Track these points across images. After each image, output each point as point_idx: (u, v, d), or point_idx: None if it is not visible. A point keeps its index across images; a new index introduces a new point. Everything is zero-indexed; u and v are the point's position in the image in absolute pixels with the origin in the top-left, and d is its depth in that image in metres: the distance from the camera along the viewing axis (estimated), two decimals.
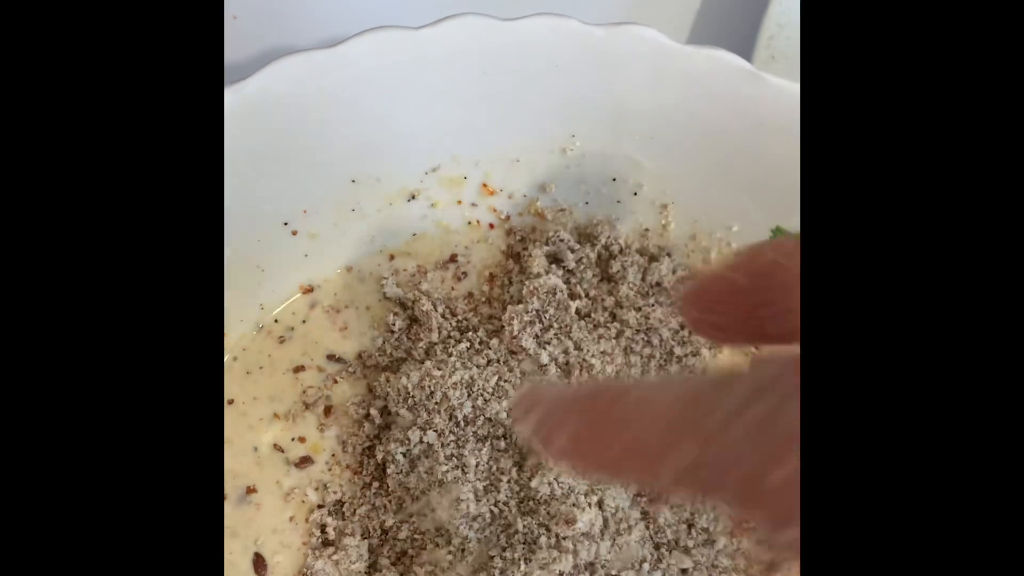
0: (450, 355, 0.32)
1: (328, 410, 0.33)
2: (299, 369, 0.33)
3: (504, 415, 0.31)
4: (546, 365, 0.31)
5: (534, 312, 0.31)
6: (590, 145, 0.33)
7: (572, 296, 0.33)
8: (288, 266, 0.33)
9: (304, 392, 0.33)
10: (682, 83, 0.31)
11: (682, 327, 0.33)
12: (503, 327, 0.32)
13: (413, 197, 0.34)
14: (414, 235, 0.35)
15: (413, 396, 0.31)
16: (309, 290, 0.34)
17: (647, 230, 0.35)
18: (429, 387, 0.31)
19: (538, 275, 0.32)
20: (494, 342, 0.32)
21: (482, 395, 0.31)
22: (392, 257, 0.35)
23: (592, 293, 0.33)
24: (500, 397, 0.31)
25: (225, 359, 0.33)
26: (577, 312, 0.33)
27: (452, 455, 0.31)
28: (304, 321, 0.34)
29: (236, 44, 0.41)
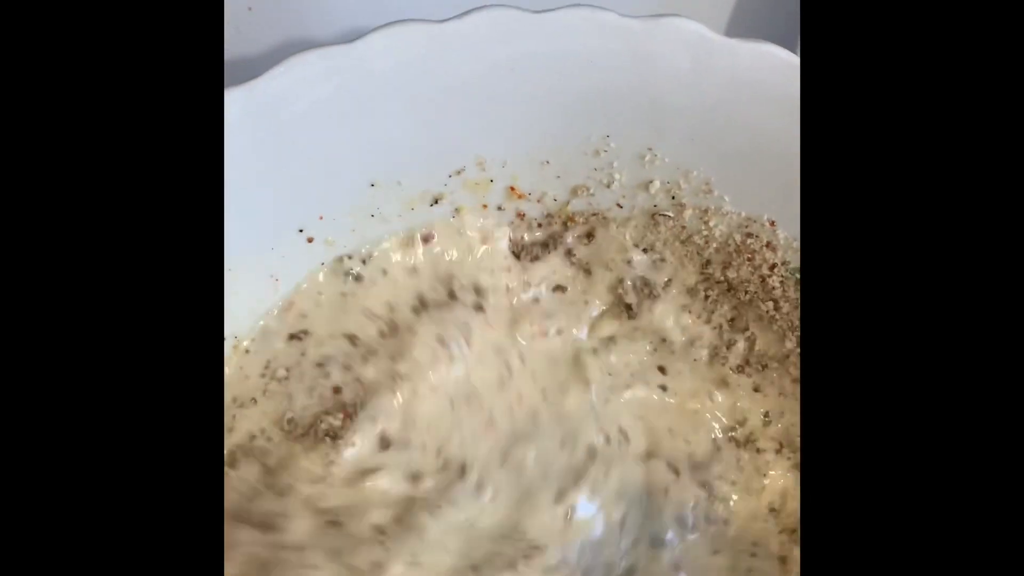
0: None
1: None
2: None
3: None
4: None
5: None
6: (626, 146, 0.31)
7: None
8: (303, 275, 0.32)
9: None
10: (726, 80, 0.29)
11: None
12: None
13: (436, 201, 0.32)
14: None
15: None
16: None
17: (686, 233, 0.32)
18: None
19: None
20: None
21: None
22: None
23: None
24: None
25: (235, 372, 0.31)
26: None
27: None
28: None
29: (251, 36, 0.39)
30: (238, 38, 0.39)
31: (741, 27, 0.38)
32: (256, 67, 0.39)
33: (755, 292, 0.33)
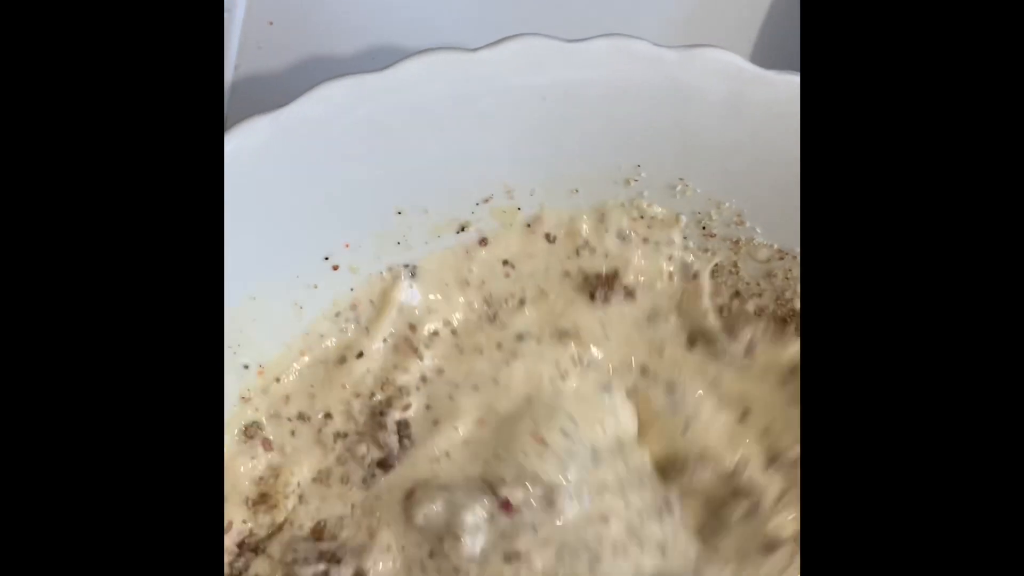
0: None
1: None
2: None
3: None
4: None
5: None
6: (657, 176, 0.30)
7: None
8: (328, 303, 0.31)
9: None
10: (760, 111, 0.29)
11: None
12: None
13: (463, 229, 0.31)
14: None
15: None
16: None
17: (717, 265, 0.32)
18: None
19: None
20: None
21: None
22: None
23: None
24: None
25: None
26: None
27: None
28: None
29: (272, 51, 0.39)
30: (258, 53, 0.39)
31: (763, 57, 0.38)
32: (276, 81, 0.39)
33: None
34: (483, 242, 0.32)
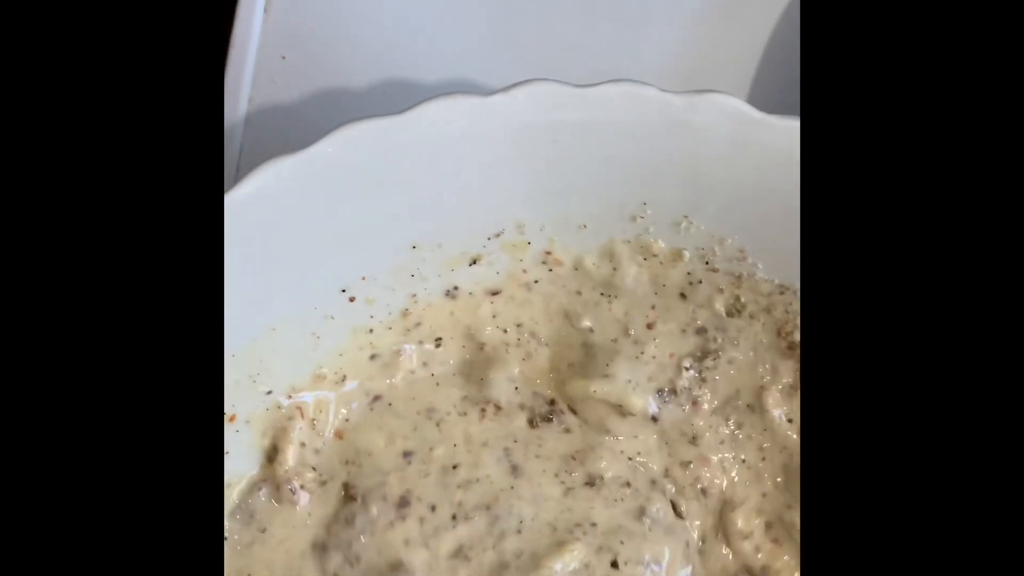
0: None
1: None
2: None
3: None
4: None
5: None
6: (662, 213, 0.32)
7: None
8: (344, 333, 0.32)
9: None
10: (762, 153, 0.30)
11: None
12: None
13: (475, 262, 0.33)
14: None
15: None
16: None
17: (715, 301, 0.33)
18: None
19: None
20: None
21: None
22: None
23: None
24: None
25: None
26: None
27: None
28: None
29: (284, 84, 0.40)
30: (272, 87, 0.40)
31: (760, 101, 0.39)
32: (290, 115, 0.40)
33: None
34: None
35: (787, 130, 0.30)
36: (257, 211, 0.28)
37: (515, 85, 0.29)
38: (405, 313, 0.33)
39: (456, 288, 0.33)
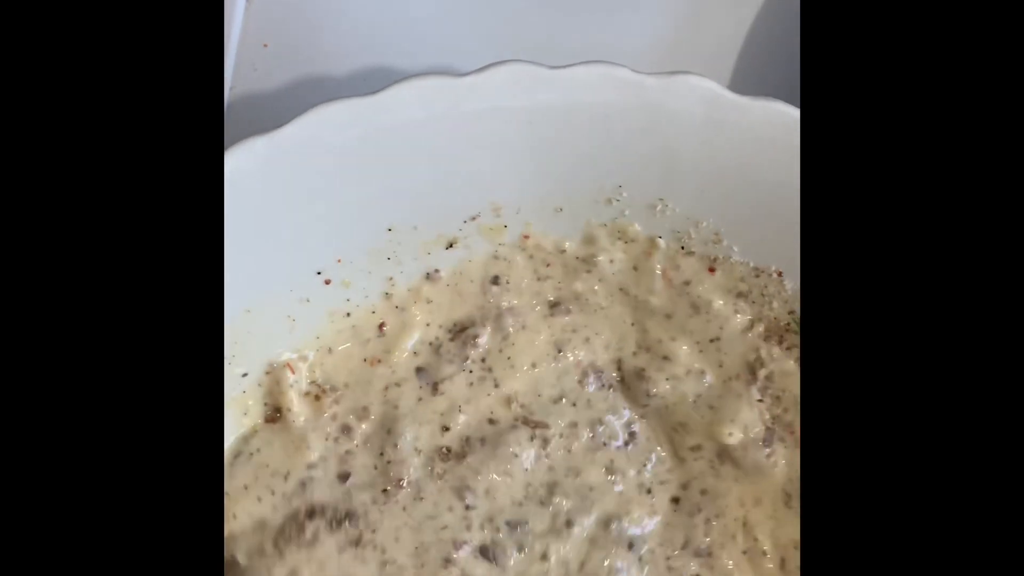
0: None
1: None
2: None
3: None
4: None
5: None
6: (638, 196, 0.32)
7: None
8: (321, 316, 0.32)
9: None
10: (736, 135, 0.30)
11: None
12: None
13: (451, 245, 0.33)
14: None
15: None
16: None
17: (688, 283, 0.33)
18: None
19: None
20: None
21: None
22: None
23: None
24: None
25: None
26: None
27: None
28: None
29: (266, 72, 0.40)
30: (253, 75, 0.40)
31: (741, 84, 0.39)
32: (271, 103, 0.40)
33: None
34: None
35: (762, 111, 0.30)
36: (229, 191, 0.28)
37: (489, 66, 0.29)
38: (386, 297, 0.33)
39: (437, 271, 0.33)
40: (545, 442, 0.33)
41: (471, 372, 0.33)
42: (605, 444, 0.33)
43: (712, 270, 0.33)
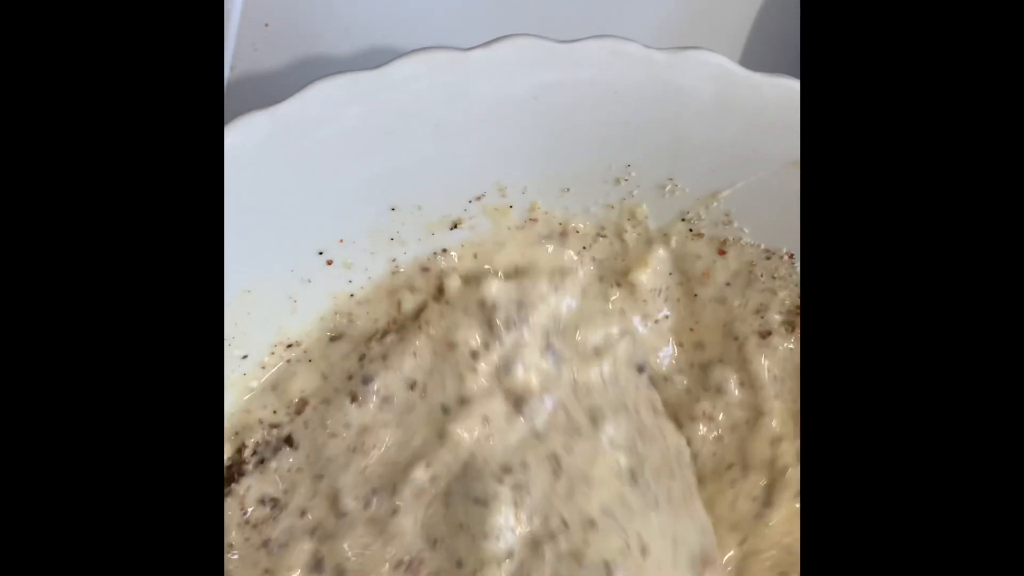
0: None
1: None
2: None
3: None
4: None
5: None
6: (647, 175, 0.31)
7: None
8: (322, 296, 0.32)
9: None
10: (748, 112, 0.29)
11: None
12: None
13: (455, 226, 0.32)
14: None
15: None
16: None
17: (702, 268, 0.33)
18: None
19: None
20: None
21: None
22: None
23: None
24: None
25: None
26: None
27: None
28: None
29: (268, 52, 0.40)
30: (254, 55, 0.39)
31: (753, 61, 0.38)
32: (272, 83, 0.40)
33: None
34: None
35: (773, 88, 0.29)
36: (229, 168, 0.27)
37: (494, 40, 0.28)
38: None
39: (445, 250, 0.32)
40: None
41: None
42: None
43: (723, 252, 0.32)
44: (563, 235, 0.32)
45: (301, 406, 0.32)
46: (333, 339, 0.32)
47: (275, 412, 0.32)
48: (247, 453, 0.31)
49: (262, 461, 0.31)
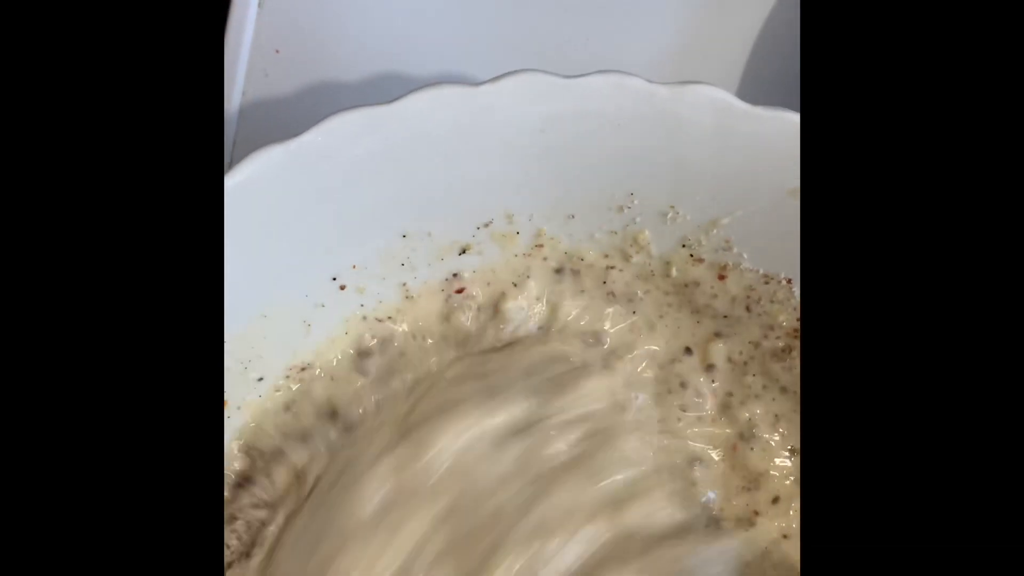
0: None
1: None
2: None
3: None
4: None
5: None
6: (649, 203, 0.32)
7: None
8: (336, 321, 0.33)
9: None
10: (749, 145, 0.30)
11: None
12: None
13: (464, 251, 0.33)
14: None
15: None
16: None
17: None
18: None
19: None
20: None
21: None
22: None
23: None
24: None
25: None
26: None
27: None
28: None
29: (278, 78, 0.41)
30: (266, 80, 0.40)
31: (750, 91, 0.39)
32: (283, 108, 0.41)
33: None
34: None
35: (773, 120, 0.30)
36: (246, 199, 0.28)
37: (502, 76, 0.29)
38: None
39: (455, 275, 0.33)
40: None
41: None
42: None
43: (722, 277, 0.33)
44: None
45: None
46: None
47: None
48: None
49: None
